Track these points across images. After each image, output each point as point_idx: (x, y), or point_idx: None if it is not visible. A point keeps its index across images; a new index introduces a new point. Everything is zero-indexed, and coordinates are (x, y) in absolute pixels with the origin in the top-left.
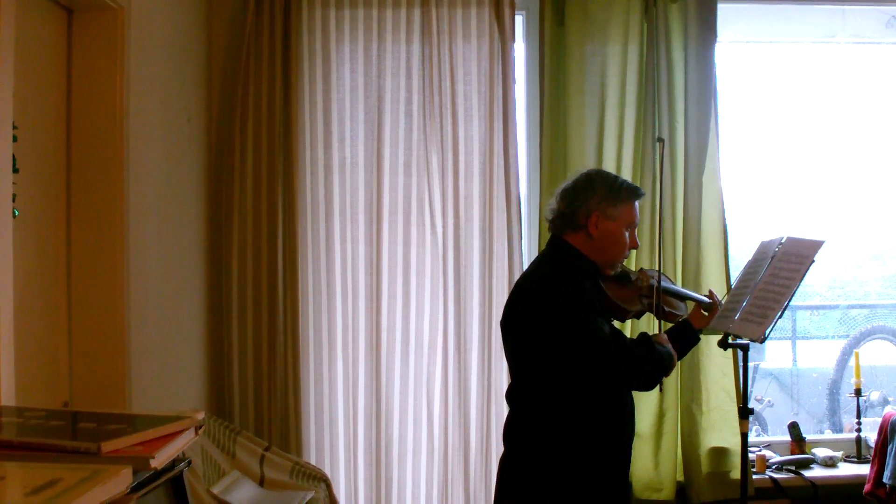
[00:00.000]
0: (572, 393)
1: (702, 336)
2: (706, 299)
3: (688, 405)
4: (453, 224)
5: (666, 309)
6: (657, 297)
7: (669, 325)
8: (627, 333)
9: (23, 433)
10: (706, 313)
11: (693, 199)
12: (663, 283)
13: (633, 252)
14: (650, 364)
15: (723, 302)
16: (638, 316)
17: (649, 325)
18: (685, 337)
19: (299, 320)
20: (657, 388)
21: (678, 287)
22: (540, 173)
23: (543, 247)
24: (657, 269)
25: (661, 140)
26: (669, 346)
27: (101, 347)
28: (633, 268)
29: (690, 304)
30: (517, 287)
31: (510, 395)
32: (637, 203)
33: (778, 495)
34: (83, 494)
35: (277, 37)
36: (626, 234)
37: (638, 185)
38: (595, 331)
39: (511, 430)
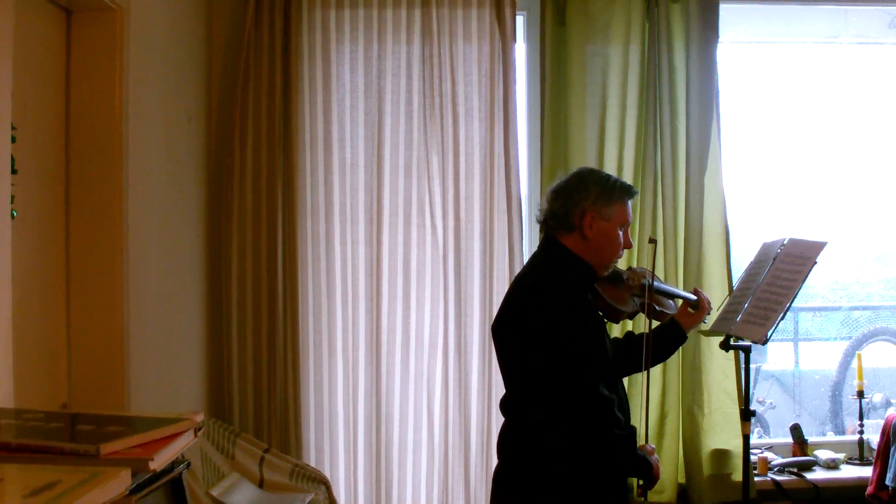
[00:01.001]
0: (566, 392)
1: (704, 337)
2: (693, 297)
3: (689, 407)
4: (454, 225)
5: (657, 308)
6: (649, 297)
7: (658, 322)
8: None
9: (21, 435)
10: (693, 311)
11: (695, 200)
12: (655, 283)
13: (634, 252)
14: (626, 441)
15: (723, 304)
16: (631, 317)
17: (641, 324)
18: (673, 335)
19: (299, 321)
20: (636, 490)
21: (666, 285)
22: (541, 174)
23: None
24: (645, 266)
25: (653, 241)
26: (654, 458)
27: (100, 349)
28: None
29: (679, 302)
30: (512, 290)
31: (505, 404)
32: (630, 202)
33: (780, 498)
34: (82, 496)
35: (277, 37)
36: (620, 233)
37: (639, 185)
38: (589, 335)
39: (505, 440)
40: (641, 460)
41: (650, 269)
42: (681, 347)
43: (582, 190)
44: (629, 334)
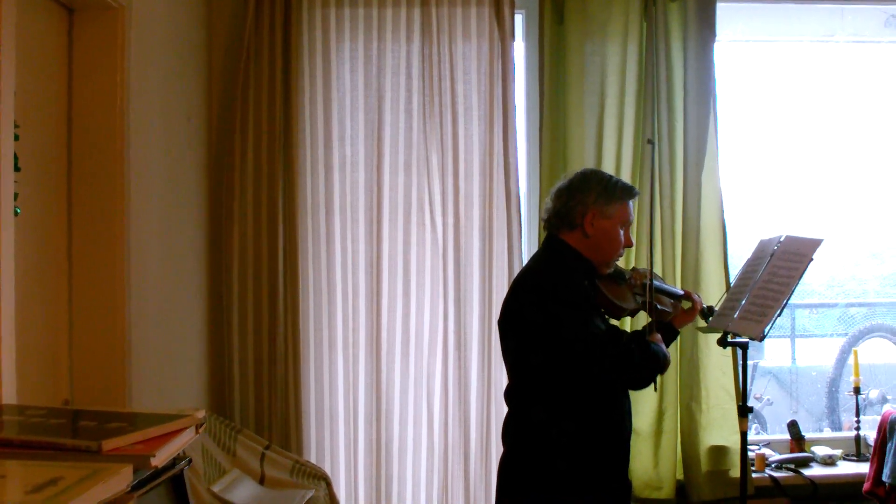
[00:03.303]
0: (568, 390)
1: (702, 334)
2: (680, 292)
3: (687, 404)
4: (453, 223)
5: (658, 307)
6: (650, 296)
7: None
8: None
9: (24, 431)
10: (685, 309)
11: (692, 198)
12: (654, 282)
13: (632, 250)
14: (646, 363)
15: (721, 301)
16: (633, 314)
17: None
18: (667, 331)
19: (299, 319)
20: (653, 386)
21: (668, 285)
22: (540, 172)
23: None
24: (648, 267)
25: (650, 142)
26: (663, 345)
27: (102, 345)
28: (626, 266)
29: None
30: (514, 285)
31: (508, 394)
32: (631, 202)
33: (777, 494)
34: (84, 493)
35: (277, 36)
36: (621, 232)
37: (636, 183)
38: (591, 328)
39: (509, 430)
40: (664, 357)
41: (651, 167)
42: (679, 344)
43: (584, 189)
44: (636, 334)
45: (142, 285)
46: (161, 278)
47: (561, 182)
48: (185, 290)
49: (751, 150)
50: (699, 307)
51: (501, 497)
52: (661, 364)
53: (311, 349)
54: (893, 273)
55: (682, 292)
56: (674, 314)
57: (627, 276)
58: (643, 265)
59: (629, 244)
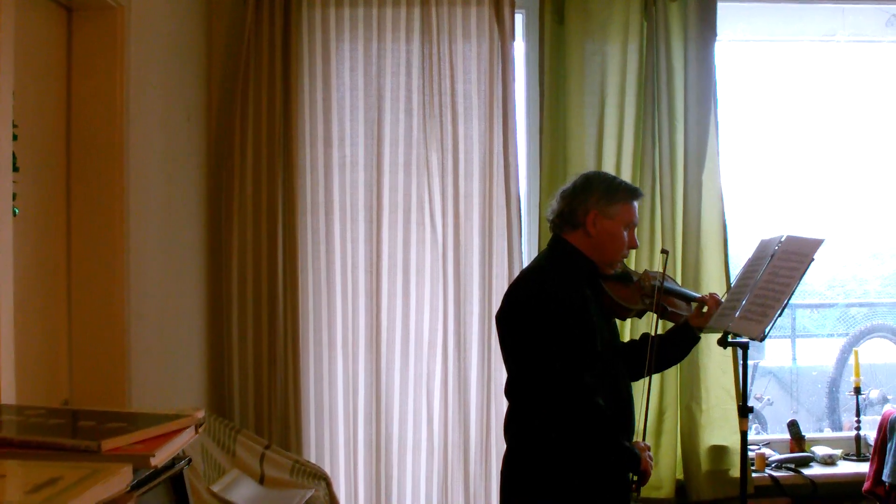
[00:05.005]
0: (567, 391)
1: (701, 335)
2: (696, 295)
3: (687, 403)
4: (453, 223)
5: (669, 309)
6: (657, 297)
7: (671, 324)
8: (628, 332)
9: (23, 431)
10: (704, 311)
11: (693, 198)
12: (668, 285)
13: (634, 251)
14: (606, 427)
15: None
16: (639, 315)
17: (649, 324)
18: (685, 336)
19: (299, 319)
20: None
21: (682, 288)
22: (540, 172)
23: (544, 246)
24: (661, 269)
25: (665, 252)
26: (645, 455)
27: (101, 345)
28: (633, 267)
29: (694, 305)
30: (515, 283)
31: (508, 391)
32: (636, 203)
33: (777, 493)
34: (83, 492)
35: (277, 36)
36: (625, 233)
37: (637, 183)
38: (586, 333)
39: (511, 428)
40: (628, 451)
41: (662, 275)
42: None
43: (587, 190)
44: (645, 336)
45: (141, 285)
46: (160, 278)
47: (565, 185)
48: (185, 290)
49: (752, 150)
50: (715, 306)
51: (506, 496)
52: (616, 451)
53: (311, 348)
54: (894, 273)
55: (697, 295)
56: (689, 317)
57: (636, 278)
58: (655, 267)
59: (633, 245)
